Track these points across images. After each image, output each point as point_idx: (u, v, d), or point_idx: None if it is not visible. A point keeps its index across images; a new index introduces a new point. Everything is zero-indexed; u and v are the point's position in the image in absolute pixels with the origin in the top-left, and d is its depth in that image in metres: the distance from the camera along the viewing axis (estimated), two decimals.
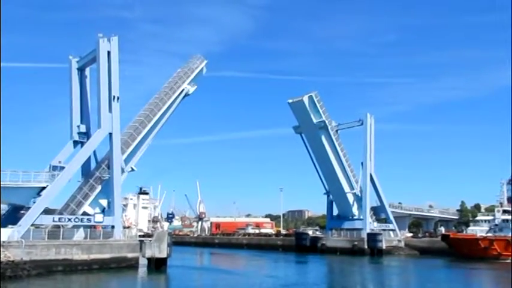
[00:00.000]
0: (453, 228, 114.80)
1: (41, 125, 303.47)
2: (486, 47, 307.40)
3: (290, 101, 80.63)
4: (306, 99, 79.13)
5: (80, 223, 49.68)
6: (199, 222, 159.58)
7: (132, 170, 56.91)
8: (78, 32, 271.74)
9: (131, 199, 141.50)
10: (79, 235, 48.69)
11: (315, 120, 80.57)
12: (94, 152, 54.80)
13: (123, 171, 54.52)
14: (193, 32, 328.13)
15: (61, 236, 46.60)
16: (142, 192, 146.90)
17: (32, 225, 46.01)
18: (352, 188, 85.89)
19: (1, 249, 40.76)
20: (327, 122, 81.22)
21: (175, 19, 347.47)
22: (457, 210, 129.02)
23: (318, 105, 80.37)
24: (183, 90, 60.35)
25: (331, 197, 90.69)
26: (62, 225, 48.47)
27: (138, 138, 56.31)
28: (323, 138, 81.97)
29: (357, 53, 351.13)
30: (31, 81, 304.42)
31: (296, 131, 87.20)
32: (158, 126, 58.80)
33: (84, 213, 51.24)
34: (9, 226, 45.74)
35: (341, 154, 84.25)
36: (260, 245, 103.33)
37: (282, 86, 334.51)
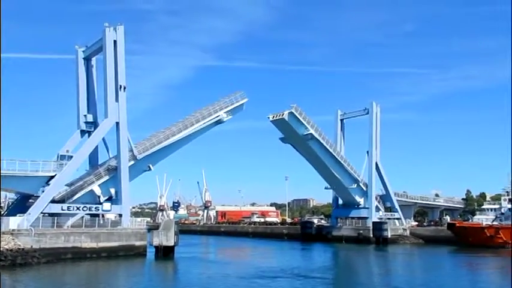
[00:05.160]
0: (459, 216, 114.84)
1: (48, 115, 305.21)
2: (502, 36, 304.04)
3: (270, 117, 71.93)
4: (286, 116, 70.66)
5: (88, 212, 50.22)
6: (205, 211, 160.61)
7: (150, 169, 57.69)
8: (96, 24, 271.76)
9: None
10: (77, 218, 49.17)
11: (300, 134, 74.18)
12: (104, 141, 55.30)
13: (139, 167, 55.81)
14: (211, 22, 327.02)
15: (70, 223, 47.41)
16: None
17: None
18: (353, 181, 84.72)
19: (11, 238, 41.51)
20: (313, 131, 74.49)
21: (193, 10, 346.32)
22: (463, 199, 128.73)
23: (300, 118, 72.61)
24: (218, 116, 62.60)
25: (333, 191, 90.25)
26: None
27: (164, 143, 57.15)
28: (313, 147, 76.50)
29: (373, 44, 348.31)
30: (49, 70, 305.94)
31: (284, 142, 79.73)
32: (183, 136, 59.47)
33: (91, 195, 51.75)
34: (19, 215, 46.45)
35: (336, 155, 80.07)
36: (265, 234, 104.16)
37: (297, 76, 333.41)
